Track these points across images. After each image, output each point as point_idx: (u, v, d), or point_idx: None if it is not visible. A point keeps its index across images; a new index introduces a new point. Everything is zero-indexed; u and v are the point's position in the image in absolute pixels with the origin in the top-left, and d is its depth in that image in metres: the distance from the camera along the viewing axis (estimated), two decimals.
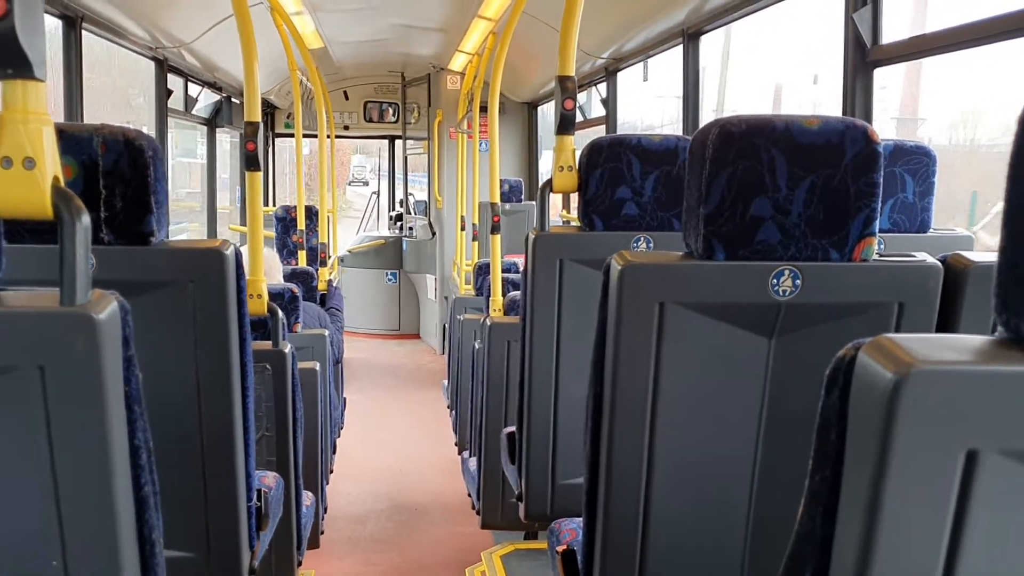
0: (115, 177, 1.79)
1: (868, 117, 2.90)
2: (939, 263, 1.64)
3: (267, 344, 2.69)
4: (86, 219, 1.12)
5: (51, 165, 1.12)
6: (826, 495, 0.88)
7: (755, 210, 1.57)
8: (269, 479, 2.51)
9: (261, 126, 3.06)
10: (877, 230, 1.62)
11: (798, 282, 1.60)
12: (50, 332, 1.10)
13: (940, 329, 1.65)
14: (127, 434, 1.19)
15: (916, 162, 2.59)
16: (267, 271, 4.30)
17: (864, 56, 2.85)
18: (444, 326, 8.64)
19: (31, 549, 1.16)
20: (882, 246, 1.66)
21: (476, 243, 6.56)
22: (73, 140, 1.76)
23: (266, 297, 2.81)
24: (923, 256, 1.66)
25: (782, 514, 1.71)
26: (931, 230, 2.65)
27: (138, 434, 1.21)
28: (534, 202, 8.12)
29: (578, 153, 2.44)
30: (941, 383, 0.79)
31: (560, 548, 2.12)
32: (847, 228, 1.59)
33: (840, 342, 1.60)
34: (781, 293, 1.60)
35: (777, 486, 1.72)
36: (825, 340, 1.63)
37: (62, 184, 1.14)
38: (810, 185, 1.57)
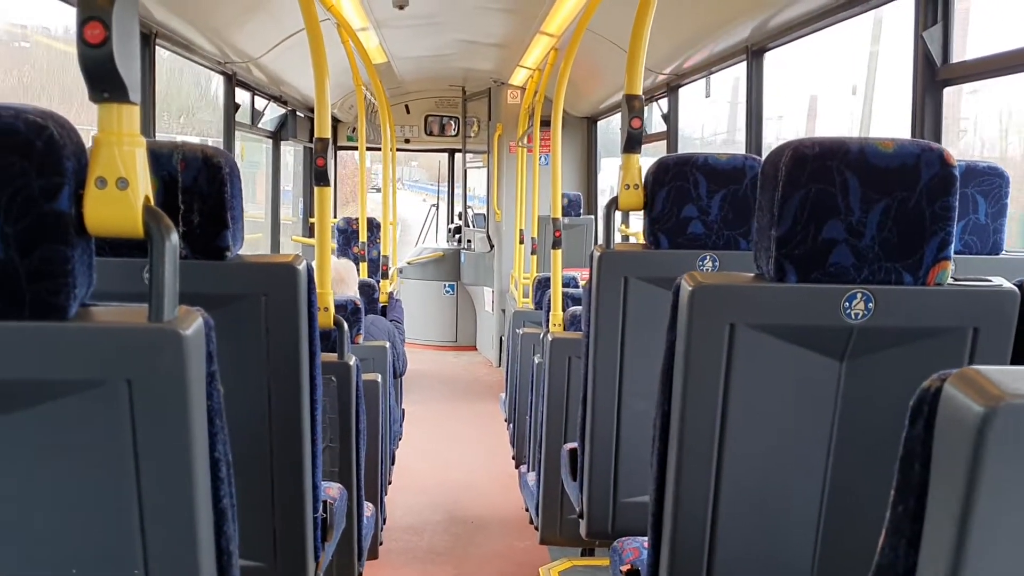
0: (193, 193, 1.83)
1: (937, 136, 2.86)
2: (1016, 288, 1.61)
3: (333, 356, 2.73)
4: (175, 238, 1.16)
5: (143, 185, 1.16)
6: (909, 527, 0.88)
7: (828, 233, 1.56)
8: (333, 490, 2.55)
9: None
10: (952, 254, 1.60)
11: (871, 305, 1.58)
12: (139, 347, 1.13)
13: (1016, 355, 1.62)
14: (208, 447, 1.22)
15: (988, 183, 2.54)
16: (345, 280, 4.40)
17: (934, 75, 2.81)
18: (501, 339, 8.66)
19: (114, 558, 1.19)
20: (953, 268, 1.63)
21: (535, 256, 6.57)
22: (154, 157, 1.81)
23: (332, 310, 2.85)
24: (999, 280, 1.63)
25: (852, 538, 1.70)
26: (1004, 252, 2.60)
27: (218, 447, 1.24)
28: (593, 216, 8.16)
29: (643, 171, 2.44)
30: None
31: (624, 567, 2.11)
32: (921, 251, 1.57)
33: (913, 367, 1.59)
34: (853, 316, 1.58)
35: (847, 510, 1.70)
36: (898, 365, 1.61)
37: (152, 203, 1.18)
38: (884, 208, 1.55)
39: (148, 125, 4.11)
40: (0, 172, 1.07)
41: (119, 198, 1.14)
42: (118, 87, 1.12)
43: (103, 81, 1.11)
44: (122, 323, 1.15)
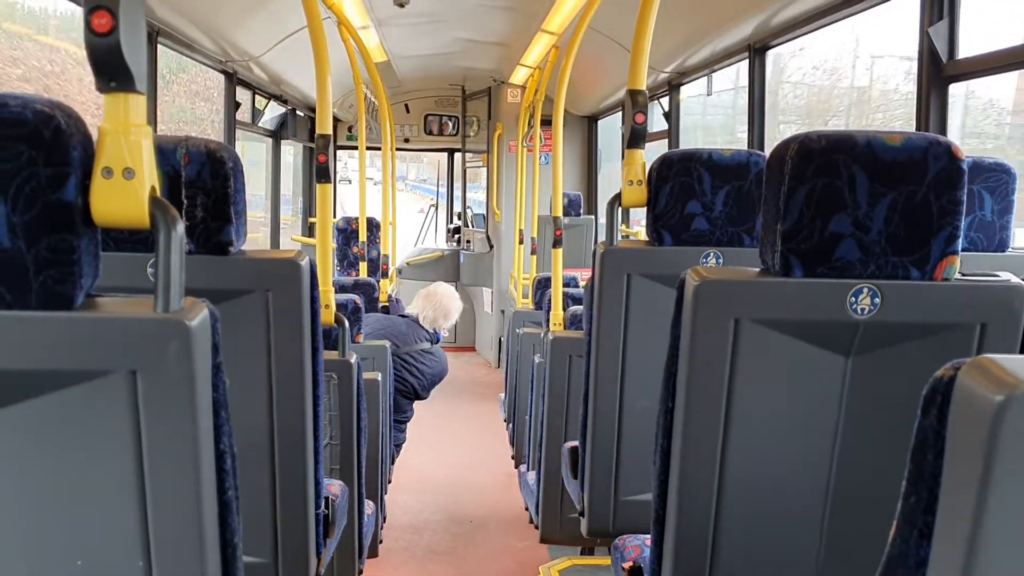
0: (197, 187, 1.83)
1: (943, 132, 2.85)
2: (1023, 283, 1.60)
3: (334, 354, 2.72)
4: (181, 229, 1.15)
5: (149, 176, 1.15)
6: (922, 518, 0.87)
7: (834, 227, 1.55)
8: (335, 487, 2.54)
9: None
10: (960, 249, 1.59)
11: (877, 300, 1.57)
12: (145, 337, 1.13)
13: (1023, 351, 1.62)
14: (213, 439, 1.21)
15: (995, 179, 2.54)
16: (450, 307, 4.68)
17: (939, 71, 2.80)
18: (500, 339, 8.65)
19: (119, 548, 1.19)
20: (960, 266, 1.62)
21: (534, 256, 6.56)
22: (158, 151, 1.80)
23: (333, 307, 2.84)
24: (1007, 276, 1.62)
25: (857, 534, 1.69)
26: (1010, 249, 2.59)
27: (223, 439, 1.23)
28: (593, 216, 8.15)
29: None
30: None
31: (626, 565, 2.11)
32: (929, 246, 1.57)
33: (920, 362, 1.58)
34: (860, 311, 1.57)
35: (852, 506, 1.69)
36: (905, 360, 1.60)
37: (159, 194, 1.17)
38: (891, 202, 1.54)
39: (151, 122, 4.09)
40: (8, 161, 1.06)
41: (125, 188, 1.13)
42: (125, 76, 1.12)
43: (110, 70, 1.11)
44: (128, 313, 1.14)
